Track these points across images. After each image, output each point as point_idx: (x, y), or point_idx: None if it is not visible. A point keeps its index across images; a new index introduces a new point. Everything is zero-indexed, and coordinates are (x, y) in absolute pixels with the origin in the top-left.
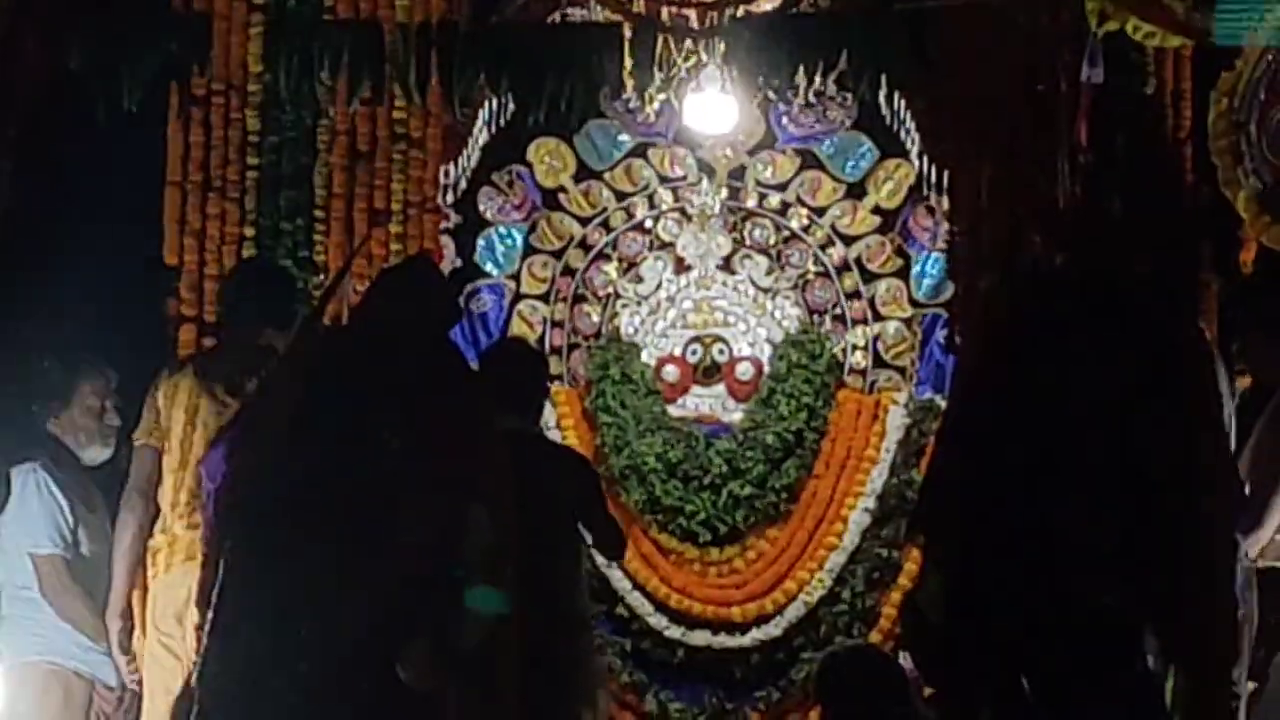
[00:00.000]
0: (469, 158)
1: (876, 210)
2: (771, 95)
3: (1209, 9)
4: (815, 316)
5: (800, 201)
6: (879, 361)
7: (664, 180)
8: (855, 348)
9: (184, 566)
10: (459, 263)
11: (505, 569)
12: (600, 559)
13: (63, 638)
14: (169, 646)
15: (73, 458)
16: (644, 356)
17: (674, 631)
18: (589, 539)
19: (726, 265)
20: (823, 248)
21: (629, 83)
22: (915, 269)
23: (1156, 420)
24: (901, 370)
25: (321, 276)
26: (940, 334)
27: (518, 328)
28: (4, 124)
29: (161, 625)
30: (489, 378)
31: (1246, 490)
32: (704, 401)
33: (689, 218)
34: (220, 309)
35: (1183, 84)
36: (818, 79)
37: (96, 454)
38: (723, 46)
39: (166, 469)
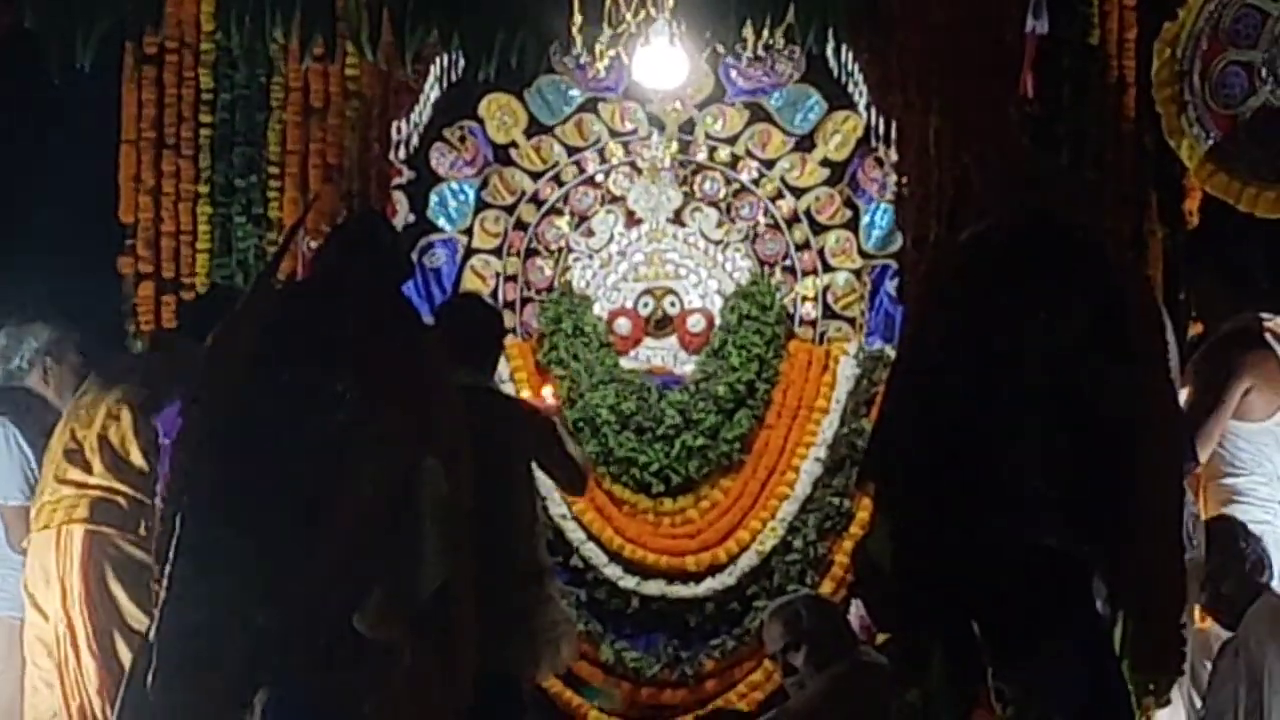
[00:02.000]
0: (421, 114)
1: (825, 162)
2: (720, 49)
3: None
4: (765, 268)
5: (749, 154)
6: (829, 312)
7: (614, 134)
8: (805, 299)
9: (42, 534)
10: (412, 218)
11: (460, 521)
12: (555, 510)
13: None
14: (38, 605)
15: (48, 410)
16: (596, 309)
17: (628, 582)
18: (554, 481)
19: (677, 218)
20: (772, 200)
21: (578, 38)
22: (864, 220)
23: (1103, 367)
24: (851, 321)
25: (275, 233)
26: (890, 285)
27: (470, 282)
28: None
29: (31, 587)
30: (444, 332)
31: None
32: (656, 354)
33: (639, 171)
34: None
35: (1127, 34)
36: (765, 32)
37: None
38: (671, 1)
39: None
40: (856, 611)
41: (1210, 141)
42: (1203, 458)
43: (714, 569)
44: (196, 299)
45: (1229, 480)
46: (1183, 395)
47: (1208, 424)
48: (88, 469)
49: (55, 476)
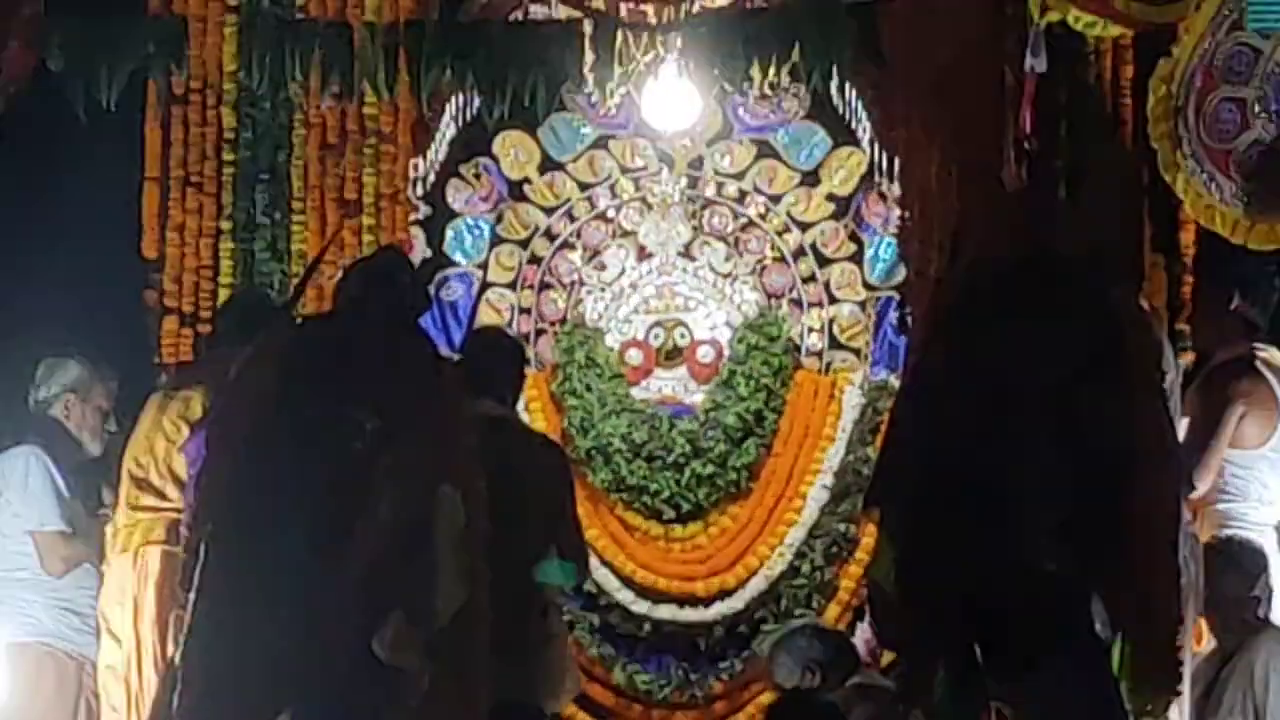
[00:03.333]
0: (437, 151)
1: (830, 197)
2: (727, 87)
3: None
4: (773, 300)
5: (757, 189)
6: (834, 343)
7: (625, 170)
8: (811, 330)
9: (121, 557)
10: (429, 252)
11: (476, 548)
12: None
13: (55, 620)
14: (112, 630)
15: (74, 444)
16: (608, 341)
17: (640, 606)
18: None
19: (686, 252)
20: (779, 234)
21: (590, 77)
22: (868, 253)
23: (1100, 395)
24: (856, 351)
25: (297, 266)
26: (893, 316)
27: (486, 315)
28: None
29: (106, 610)
30: (468, 365)
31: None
32: (666, 384)
33: (650, 206)
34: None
35: (1123, 71)
36: (772, 71)
37: (93, 449)
38: (680, 41)
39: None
40: (862, 635)
41: (1204, 176)
42: (1206, 485)
43: (723, 594)
44: (230, 301)
45: (1223, 505)
46: (1183, 424)
47: (1210, 450)
48: (161, 495)
49: (129, 503)
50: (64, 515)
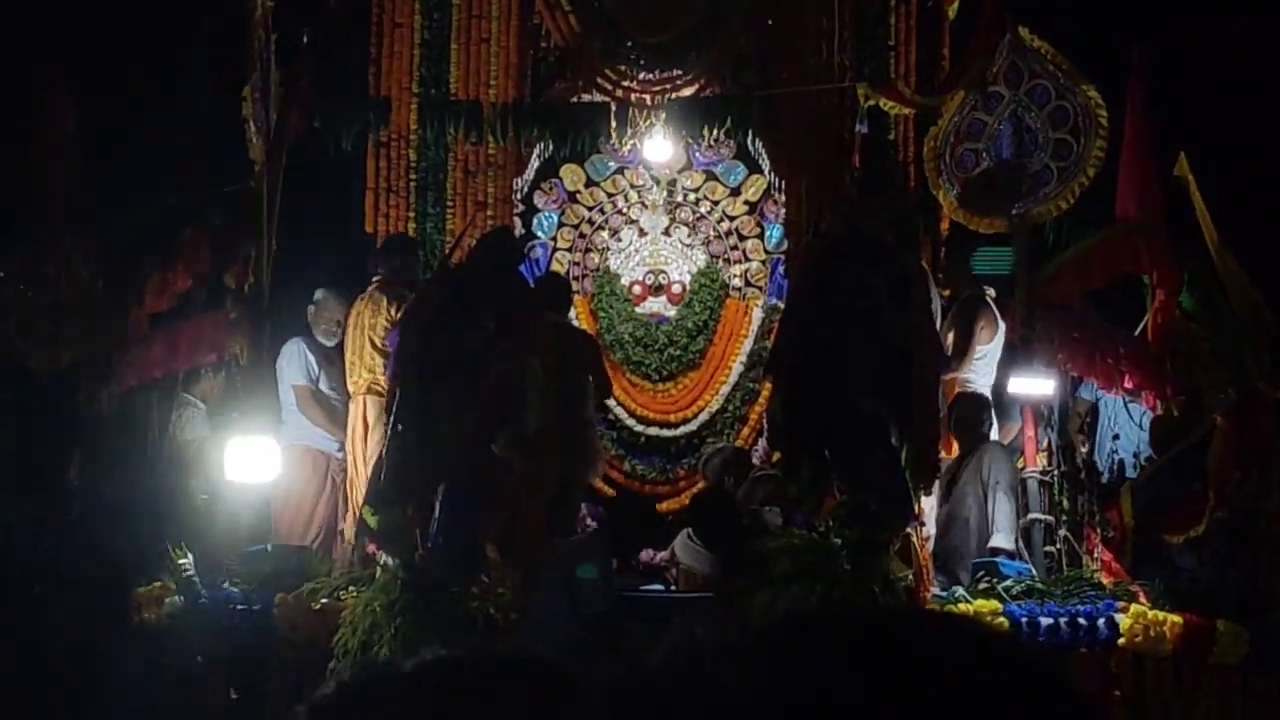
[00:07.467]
0: (528, 174)
1: (746, 202)
2: (690, 141)
3: (926, 93)
4: (714, 259)
5: (706, 198)
6: (748, 283)
7: (633, 186)
8: (735, 276)
9: (353, 401)
10: (524, 231)
11: (549, 395)
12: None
13: (312, 431)
14: (354, 438)
15: (315, 339)
16: (623, 280)
17: (639, 427)
18: (594, 383)
19: (666, 232)
20: (718, 222)
21: (614, 134)
22: (767, 233)
23: (896, 314)
24: (760, 288)
25: (450, 238)
26: (781, 269)
27: (555, 266)
28: (279, 159)
29: (352, 432)
30: (543, 293)
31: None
32: (655, 305)
33: (646, 206)
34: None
35: (909, 133)
36: (716, 131)
37: (327, 341)
38: (664, 114)
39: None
40: (762, 445)
41: (954, 192)
42: (966, 368)
43: (684, 421)
44: (387, 241)
45: (962, 376)
46: (949, 336)
47: (968, 348)
48: (357, 369)
49: (350, 373)
50: (305, 376)
